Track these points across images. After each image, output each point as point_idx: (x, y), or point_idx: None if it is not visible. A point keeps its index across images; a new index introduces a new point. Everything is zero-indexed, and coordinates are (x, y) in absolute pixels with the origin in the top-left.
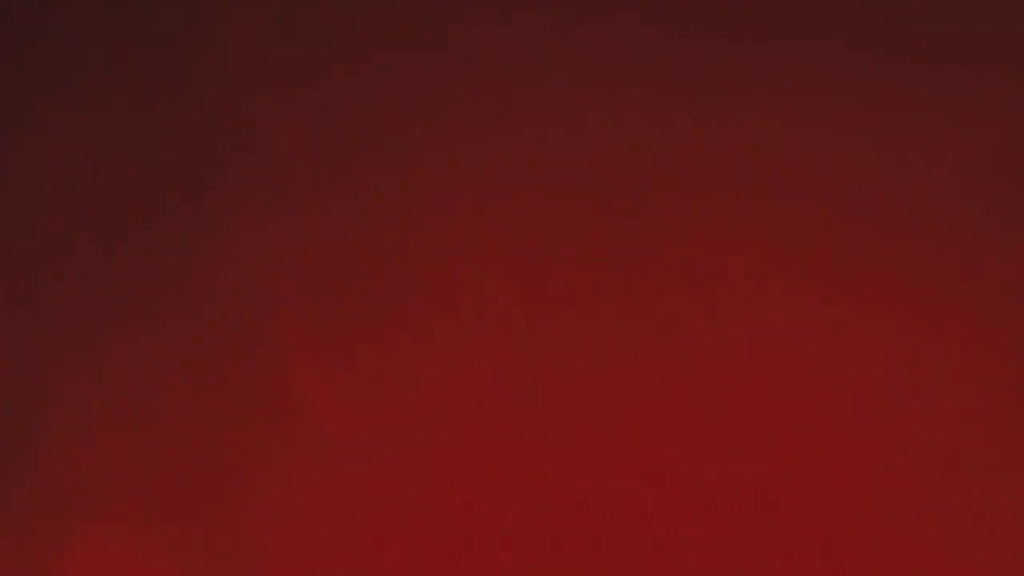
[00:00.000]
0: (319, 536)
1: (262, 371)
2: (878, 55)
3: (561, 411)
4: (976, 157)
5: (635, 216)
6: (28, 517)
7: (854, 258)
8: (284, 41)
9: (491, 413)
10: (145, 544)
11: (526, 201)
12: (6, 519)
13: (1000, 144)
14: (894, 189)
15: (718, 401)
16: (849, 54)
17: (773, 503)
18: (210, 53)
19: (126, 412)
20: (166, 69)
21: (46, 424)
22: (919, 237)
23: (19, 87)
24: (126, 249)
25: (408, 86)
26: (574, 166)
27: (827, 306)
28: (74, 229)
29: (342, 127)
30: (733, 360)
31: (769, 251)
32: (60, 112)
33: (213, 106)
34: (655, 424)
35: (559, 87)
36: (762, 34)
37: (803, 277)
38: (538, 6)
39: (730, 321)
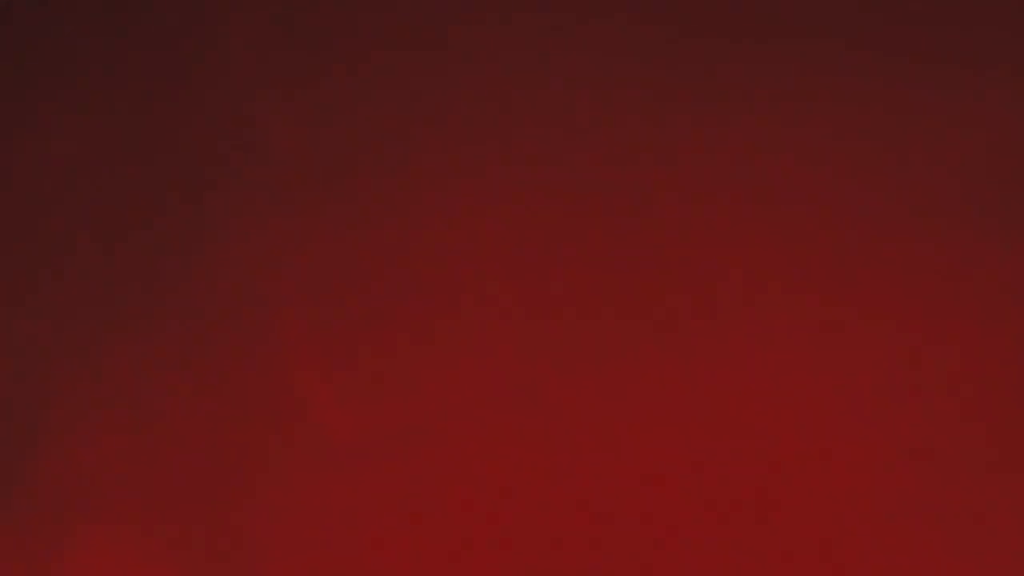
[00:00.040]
0: (319, 536)
1: (262, 371)
2: (878, 55)
3: (561, 411)
4: (976, 157)
5: (635, 216)
6: (28, 517)
7: (854, 258)
8: (284, 41)
9: (491, 413)
10: (145, 544)
11: (526, 201)
12: (6, 519)
13: (1000, 144)
14: (894, 189)
15: (718, 401)
16: (849, 54)
17: (773, 503)
18: (210, 53)
19: (126, 412)
20: (166, 69)
21: (46, 424)
22: (919, 237)
23: (19, 87)
24: (126, 249)
25: (408, 86)
26: (574, 166)
27: (827, 306)
28: (74, 229)
29: (342, 127)
30: (733, 360)
31: (769, 251)
32: (60, 112)
33: (213, 106)
34: (655, 424)
35: (559, 87)
36: (762, 34)
37: (803, 277)
38: (538, 6)
39: (730, 321)
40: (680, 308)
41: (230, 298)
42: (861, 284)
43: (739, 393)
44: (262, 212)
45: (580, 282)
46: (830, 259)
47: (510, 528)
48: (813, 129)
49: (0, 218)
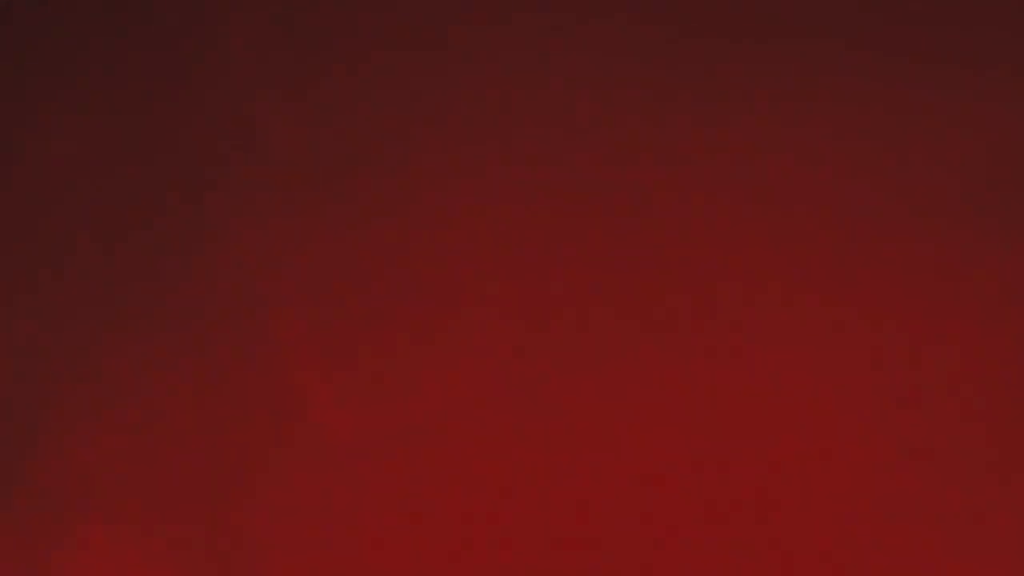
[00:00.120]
0: (319, 536)
1: (262, 371)
2: (878, 55)
3: (561, 411)
4: (976, 157)
5: (635, 216)
6: (28, 517)
7: (854, 258)
8: (284, 41)
9: (491, 413)
10: (145, 544)
11: (526, 201)
12: (6, 519)
13: (1000, 144)
14: (894, 189)
15: (718, 401)
16: (849, 54)
17: (773, 503)
18: (210, 53)
19: (126, 412)
20: (166, 69)
21: (46, 424)
22: (919, 237)
23: (19, 87)
24: (126, 249)
25: (408, 86)
26: (574, 166)
27: (827, 306)
28: (74, 229)
29: (342, 127)
30: (733, 360)
31: (769, 251)
32: (60, 112)
33: (213, 106)
34: (655, 424)
35: (559, 87)
36: (762, 34)
37: (803, 277)
38: (538, 6)
39: (730, 321)
40: (680, 308)
41: (230, 298)
42: (861, 284)
43: (739, 393)
44: (262, 212)
45: (580, 282)
46: (830, 259)
47: (510, 528)
48: (813, 129)
49: (0, 218)
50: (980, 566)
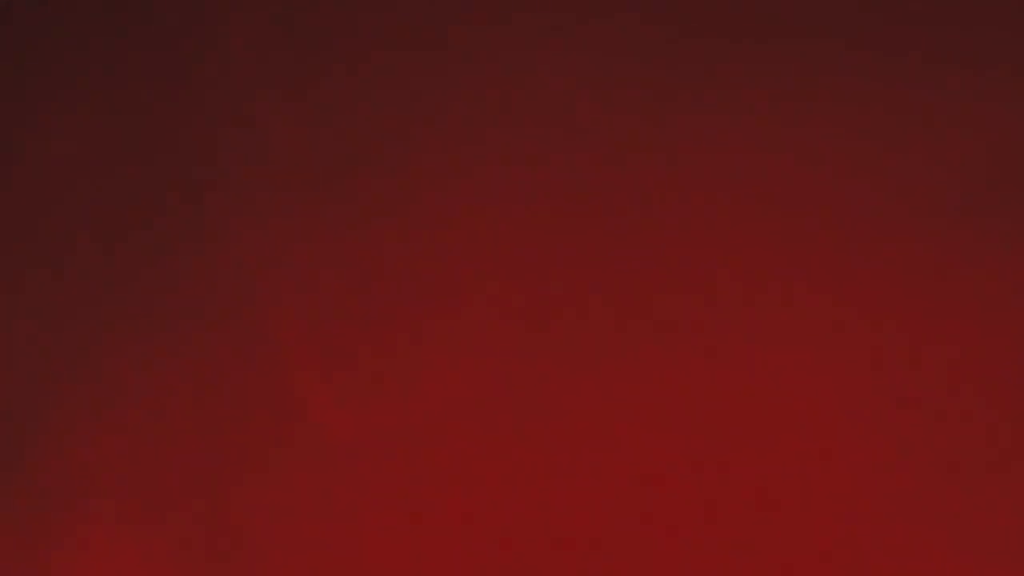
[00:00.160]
0: (319, 536)
1: (262, 371)
2: (878, 55)
3: (560, 411)
4: (976, 157)
5: (635, 216)
6: (28, 517)
7: (854, 258)
8: (284, 41)
9: (490, 413)
10: (145, 544)
11: (526, 201)
12: (6, 519)
13: (1000, 144)
14: (894, 189)
15: (718, 401)
16: (849, 54)
17: (773, 503)
18: (210, 53)
19: (126, 412)
20: (166, 69)
21: (46, 424)
22: (919, 237)
23: (19, 87)
24: (126, 249)
25: (408, 86)
26: (574, 166)
27: (827, 306)
28: (74, 229)
29: (342, 127)
30: (733, 360)
31: (769, 251)
32: (60, 112)
33: (213, 106)
34: (655, 424)
35: (559, 87)
36: (762, 34)
37: (803, 277)
38: (538, 6)
39: (730, 321)
40: (680, 308)
41: (230, 298)
42: (861, 284)
43: (739, 393)
44: (262, 212)
45: (580, 282)
46: (830, 259)
47: (510, 528)
48: (813, 129)
49: (0, 218)
50: (980, 566)
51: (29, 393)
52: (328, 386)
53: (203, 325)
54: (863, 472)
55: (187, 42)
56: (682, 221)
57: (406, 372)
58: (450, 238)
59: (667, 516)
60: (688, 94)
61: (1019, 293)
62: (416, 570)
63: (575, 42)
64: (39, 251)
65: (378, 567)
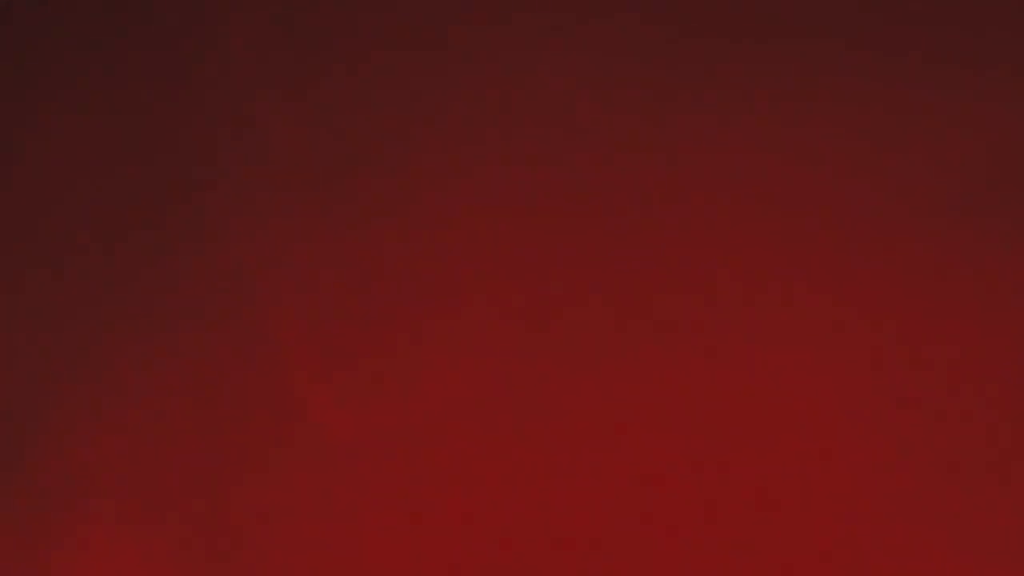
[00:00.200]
0: (319, 536)
1: (262, 371)
2: (878, 55)
3: (560, 411)
4: (976, 157)
5: (635, 216)
6: (28, 517)
7: (854, 258)
8: (284, 41)
9: (490, 413)
10: (145, 544)
11: (526, 201)
12: (6, 519)
13: (1000, 144)
14: (894, 189)
15: (718, 401)
16: (849, 54)
17: (773, 503)
18: (210, 53)
19: (126, 412)
20: (166, 69)
21: (46, 424)
22: (919, 237)
23: (19, 87)
24: (126, 249)
25: (408, 86)
26: (574, 166)
27: (827, 306)
28: (74, 229)
29: (342, 127)
30: (733, 360)
31: (769, 251)
32: (60, 112)
33: (213, 106)
34: (654, 424)
35: (559, 87)
36: (762, 34)
37: (803, 277)
38: (538, 6)
39: (730, 321)
40: (680, 308)
41: (230, 298)
42: (861, 284)
43: (739, 393)
44: (262, 212)
45: (580, 282)
46: (830, 259)
47: (510, 528)
48: (813, 129)
49: (0, 218)
50: (980, 566)
51: (29, 393)
52: (328, 386)
53: (203, 325)
54: (863, 472)
55: (187, 42)
56: (682, 221)
57: (406, 372)
58: (450, 238)
59: (667, 516)
60: (688, 94)
61: (1019, 293)
62: (416, 570)
63: (575, 42)
64: (39, 251)
65: (378, 567)
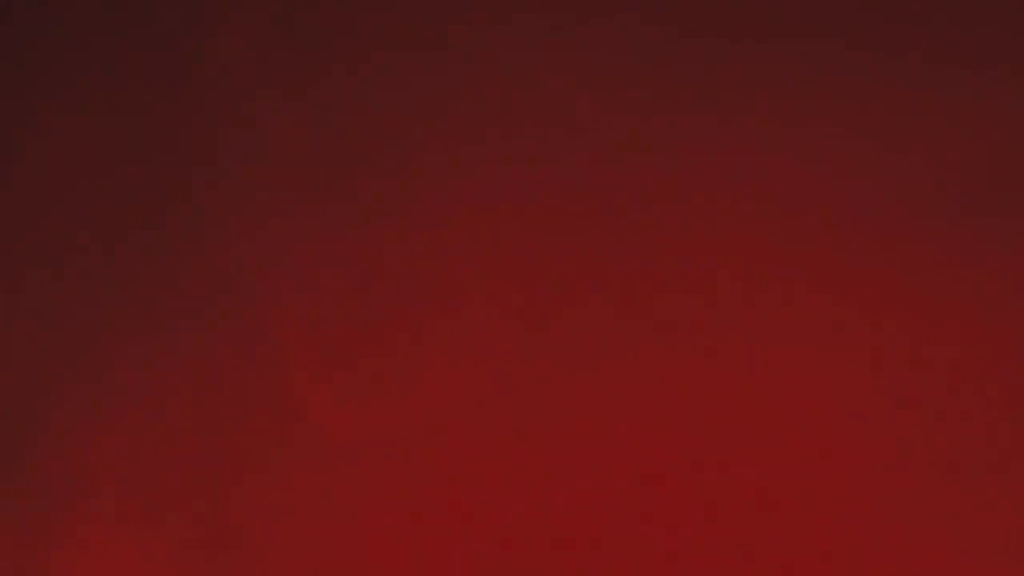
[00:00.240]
0: (319, 536)
1: (262, 371)
2: (878, 55)
3: (560, 411)
4: (976, 157)
5: (635, 216)
6: (28, 517)
7: (854, 258)
8: (284, 41)
9: (490, 413)
10: (145, 544)
11: (526, 201)
12: (6, 519)
13: (1000, 144)
14: (894, 189)
15: (718, 401)
16: (849, 54)
17: (773, 503)
18: (210, 53)
19: (126, 412)
20: (166, 69)
21: (46, 424)
22: (919, 237)
23: (19, 87)
24: (126, 249)
25: (408, 86)
26: (574, 166)
27: (827, 306)
28: (74, 229)
29: (342, 127)
30: (733, 360)
31: (769, 251)
32: (60, 112)
33: (213, 106)
34: (655, 424)
35: (559, 87)
36: (762, 34)
37: (803, 277)
38: (538, 6)
39: (730, 321)
40: (680, 308)
41: (230, 298)
42: (861, 284)
43: (739, 393)
44: (262, 212)
45: (580, 282)
46: (830, 259)
47: (509, 528)
48: (813, 129)
49: (0, 218)
50: (980, 566)
51: (29, 393)
52: (328, 386)
53: (203, 325)
54: (863, 472)
55: (187, 42)
56: (682, 221)
57: (406, 372)
58: (450, 238)
59: (667, 516)
60: (688, 94)
61: (1019, 293)
62: (416, 570)
63: (575, 42)
64: (39, 251)
65: (378, 567)
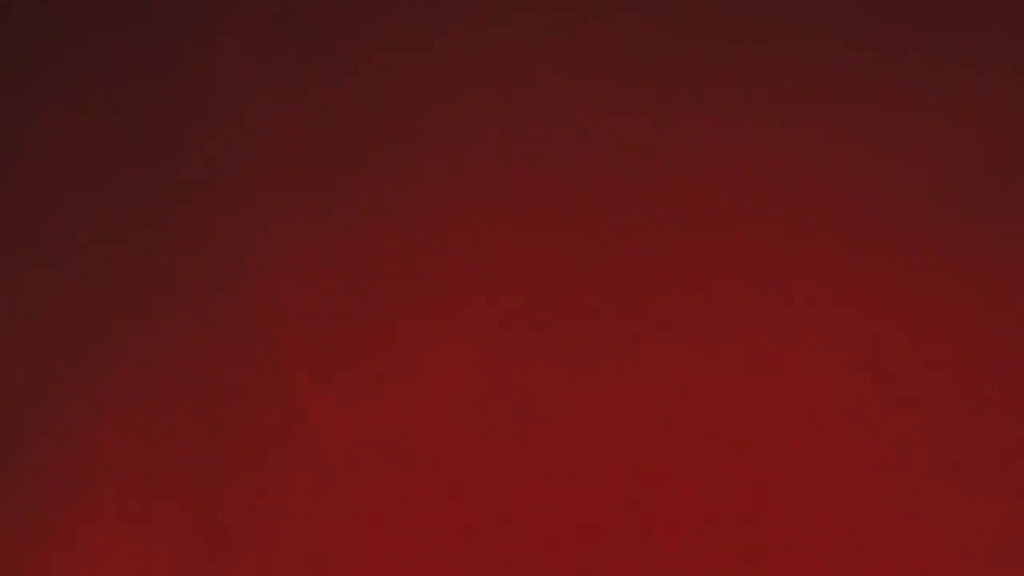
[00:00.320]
0: (318, 536)
1: (262, 371)
2: (878, 55)
3: (560, 411)
4: (976, 157)
5: (635, 216)
6: (28, 517)
7: (854, 258)
8: (284, 41)
9: (490, 413)
10: (145, 544)
11: (526, 201)
12: (6, 519)
13: (1000, 144)
14: (894, 189)
15: (717, 401)
16: (849, 54)
17: (773, 503)
18: (210, 53)
19: (126, 412)
20: (166, 69)
21: (46, 424)
22: (919, 237)
23: (19, 87)
24: (126, 249)
25: (408, 86)
26: (574, 166)
27: (827, 306)
28: (74, 228)
29: (342, 127)
30: (733, 360)
31: (769, 251)
32: (60, 112)
33: (213, 106)
34: (654, 424)
35: (559, 87)
36: (762, 34)
37: (803, 277)
38: (538, 6)
39: (730, 321)
40: (680, 308)
41: (230, 298)
42: (861, 284)
43: (739, 393)
44: (262, 212)
45: (580, 282)
46: (830, 259)
47: (509, 528)
48: (813, 129)
49: (0, 218)
50: (980, 566)
51: (29, 393)
52: (328, 386)
53: (203, 325)
54: (863, 472)
55: (187, 42)
56: (682, 221)
57: (406, 372)
58: (450, 238)
59: (667, 516)
60: (688, 94)
61: (1019, 293)
62: (416, 570)
63: (575, 42)
64: (39, 251)
65: (378, 567)
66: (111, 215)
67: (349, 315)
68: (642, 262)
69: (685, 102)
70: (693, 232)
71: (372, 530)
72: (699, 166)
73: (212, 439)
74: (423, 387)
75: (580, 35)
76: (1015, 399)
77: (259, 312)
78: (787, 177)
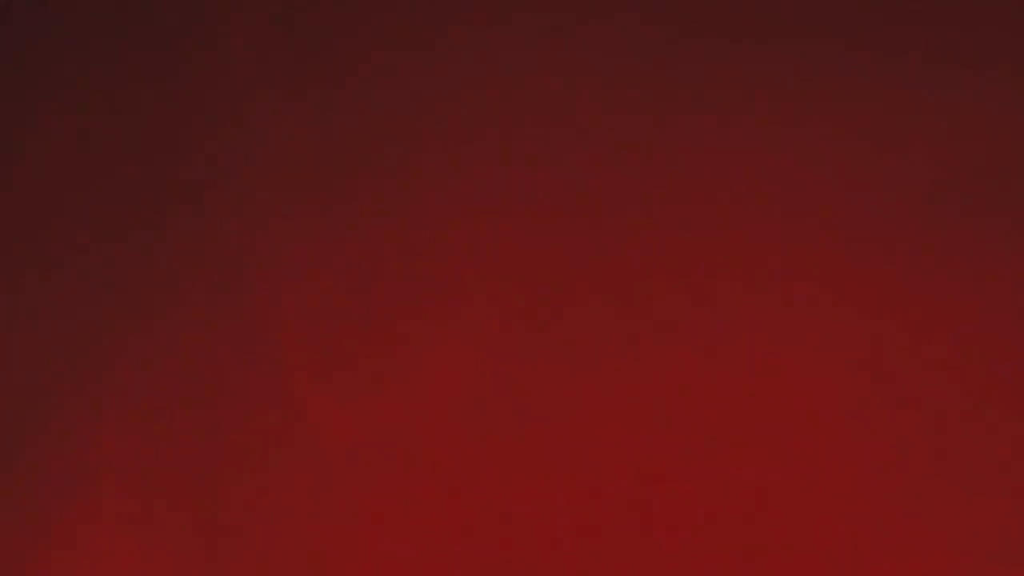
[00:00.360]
0: (318, 536)
1: (262, 371)
2: (878, 55)
3: (560, 411)
4: (976, 157)
5: (635, 216)
6: (28, 516)
7: (854, 258)
8: (284, 41)
9: (490, 413)
10: (145, 544)
11: (526, 201)
12: (6, 519)
13: (1000, 144)
14: (894, 189)
15: (717, 401)
16: (849, 54)
17: (772, 503)
18: (210, 53)
19: (125, 412)
20: (166, 69)
21: (46, 424)
22: (919, 237)
23: (19, 87)
24: (126, 249)
25: (408, 86)
26: (574, 166)
27: (827, 306)
28: (74, 228)
29: (342, 127)
30: (733, 360)
31: (769, 251)
32: (60, 112)
33: (213, 106)
34: (654, 424)
35: (559, 87)
36: (762, 34)
37: (803, 277)
38: (538, 6)
39: (730, 321)
40: (680, 308)
41: (230, 298)
42: (861, 283)
43: (738, 393)
44: (262, 212)
45: (580, 282)
46: (830, 259)
47: (509, 528)
48: (813, 129)
49: (0, 218)
50: (980, 566)
51: (29, 393)
52: (328, 386)
53: (203, 325)
54: (863, 472)
55: (187, 42)
56: (682, 221)
57: (406, 372)
58: (450, 238)
59: (667, 516)
60: (688, 94)
61: (1019, 293)
62: (416, 570)
63: (575, 42)
64: (39, 251)
65: (378, 567)
66: (111, 215)
67: (349, 315)
68: (642, 262)
69: (685, 102)
70: (693, 232)
71: (372, 530)
72: (699, 166)
73: (212, 439)
74: (423, 387)
75: (580, 35)
76: (1015, 399)
77: (259, 312)
78: (787, 177)
